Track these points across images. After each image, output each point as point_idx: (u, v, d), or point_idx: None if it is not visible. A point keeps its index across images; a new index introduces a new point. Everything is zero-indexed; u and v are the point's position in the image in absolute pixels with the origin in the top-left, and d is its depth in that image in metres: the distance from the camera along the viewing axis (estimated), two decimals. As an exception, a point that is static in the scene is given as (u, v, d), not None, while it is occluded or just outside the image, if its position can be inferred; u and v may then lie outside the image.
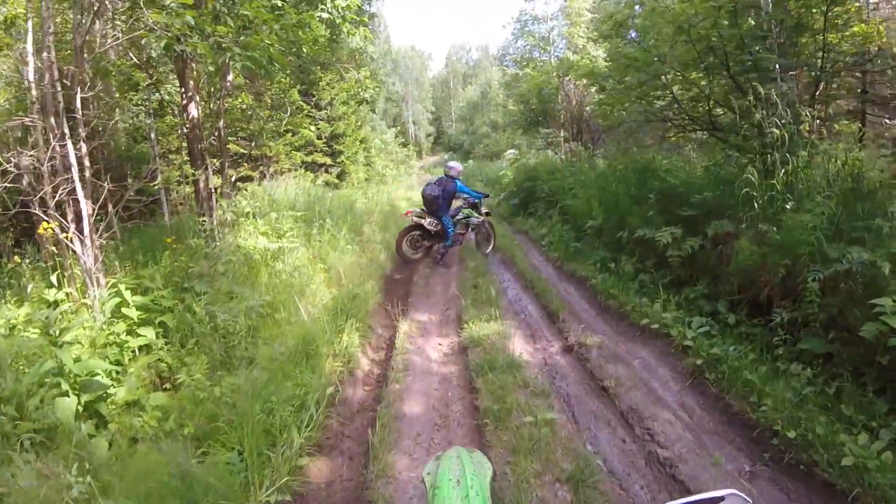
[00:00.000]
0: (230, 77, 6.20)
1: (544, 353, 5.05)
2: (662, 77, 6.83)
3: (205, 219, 5.57)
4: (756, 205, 4.99)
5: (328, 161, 13.21)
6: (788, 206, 4.86)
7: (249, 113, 8.14)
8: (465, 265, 8.41)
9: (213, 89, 6.63)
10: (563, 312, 5.84)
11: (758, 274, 4.89)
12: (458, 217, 8.70)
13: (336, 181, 13.08)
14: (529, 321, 5.92)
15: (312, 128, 12.33)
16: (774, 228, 4.75)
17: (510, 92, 22.14)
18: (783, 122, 5.09)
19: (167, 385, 3.75)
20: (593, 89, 13.03)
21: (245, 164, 10.59)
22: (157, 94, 7.50)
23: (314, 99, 12.86)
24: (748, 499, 0.80)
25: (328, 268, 6.93)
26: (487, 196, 9.77)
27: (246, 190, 7.97)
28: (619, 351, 4.95)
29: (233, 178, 8.93)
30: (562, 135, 12.56)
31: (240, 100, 8.28)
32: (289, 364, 4.06)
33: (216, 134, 6.28)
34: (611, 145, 11.33)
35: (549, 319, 5.91)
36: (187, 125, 5.70)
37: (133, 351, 3.75)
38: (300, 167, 11.49)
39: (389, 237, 9.67)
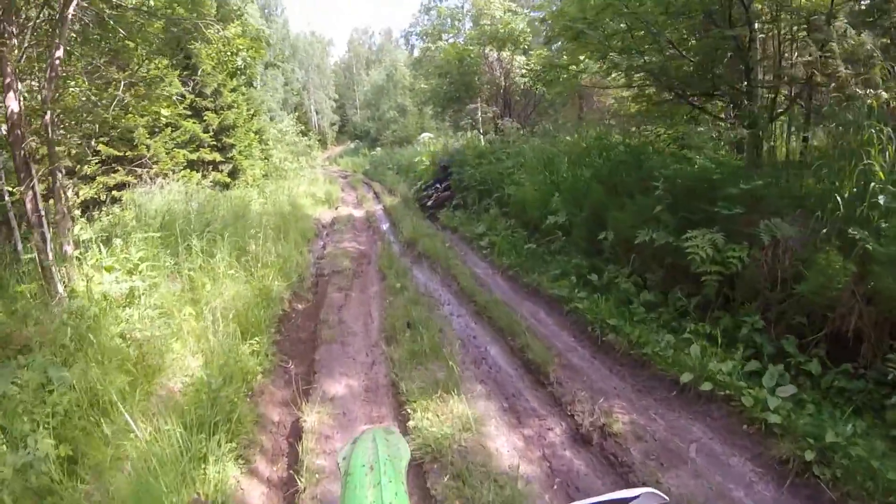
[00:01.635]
0: (59, 53, 4.42)
1: (544, 450, 3.01)
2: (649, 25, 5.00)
3: (32, 255, 4.25)
4: (839, 200, 3.30)
5: (217, 157, 11.41)
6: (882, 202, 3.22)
7: (97, 101, 5.15)
8: (387, 282, 6.17)
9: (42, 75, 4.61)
10: (551, 364, 3.83)
11: (845, 300, 3.24)
12: None
13: (227, 180, 11.43)
14: (500, 379, 3.87)
15: (196, 120, 10.72)
16: (873, 235, 3.10)
17: (419, 71, 20.02)
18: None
19: None
20: (519, 59, 11.26)
21: (121, 167, 8.97)
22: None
23: (197, 86, 11.04)
24: (664, 496, 0.74)
25: (200, 310, 4.51)
26: None
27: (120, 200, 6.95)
28: (657, 430, 3.06)
29: (74, 195, 7.31)
30: (490, 111, 10.62)
31: (80, 84, 5.36)
32: None
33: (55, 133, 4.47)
34: (548, 121, 9.61)
35: (531, 375, 3.90)
36: (6, 123, 4.19)
37: None
38: (184, 167, 10.05)
39: (291, 250, 7.16)
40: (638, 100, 6.51)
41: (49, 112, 4.51)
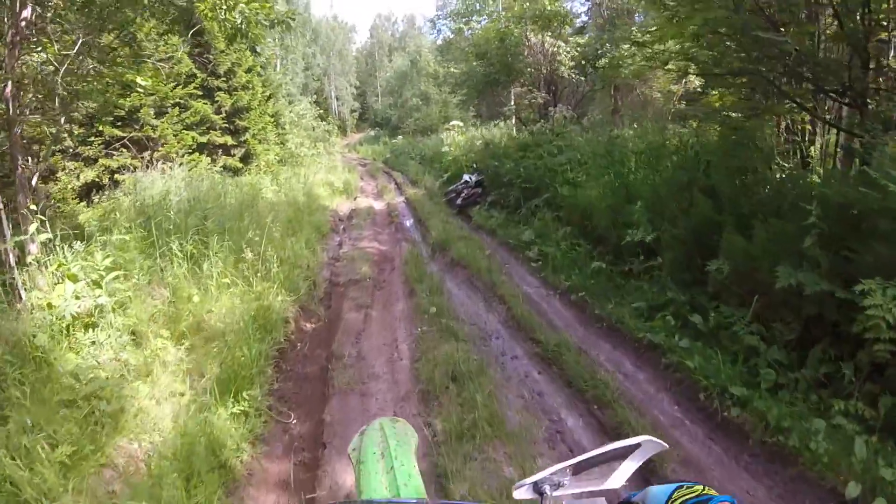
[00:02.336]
0: (27, 13, 3.68)
1: None
2: None
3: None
4: None
5: (229, 141, 10.59)
6: None
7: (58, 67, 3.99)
8: (416, 299, 4.95)
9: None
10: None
11: None
12: None
13: (239, 165, 10.65)
14: None
15: (207, 101, 9.97)
16: None
17: (447, 56, 18.67)
18: None
19: None
20: (563, 45, 9.89)
21: (124, 150, 8.33)
22: None
23: (210, 64, 10.31)
24: (663, 444, 0.76)
25: (184, 329, 3.39)
26: None
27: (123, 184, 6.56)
28: None
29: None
30: (540, 96, 9.24)
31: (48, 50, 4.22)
32: None
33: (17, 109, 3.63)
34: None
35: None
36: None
37: None
38: (193, 151, 9.33)
39: (300, 251, 6.00)
40: (723, 93, 5.16)
41: (9, 83, 3.49)
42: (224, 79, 10.79)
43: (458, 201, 9.81)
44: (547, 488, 0.77)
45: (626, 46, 9.47)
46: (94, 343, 3.22)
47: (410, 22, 54.60)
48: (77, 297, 3.42)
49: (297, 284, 4.98)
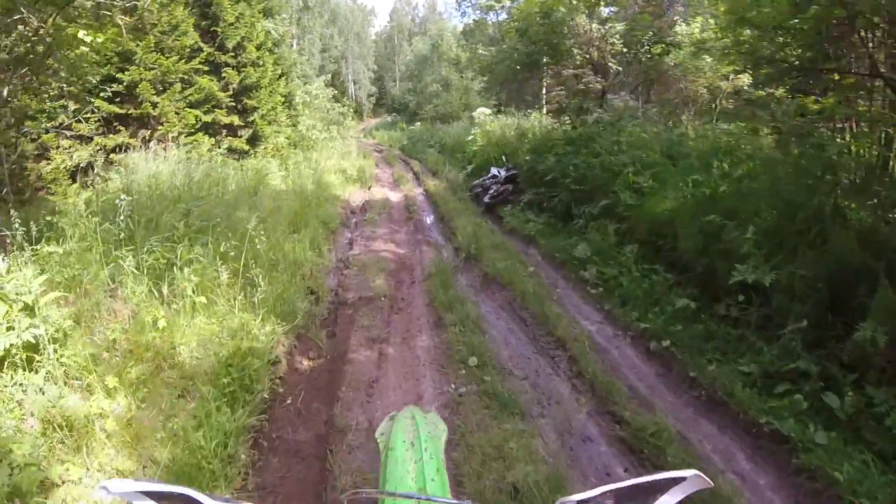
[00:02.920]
0: None
1: None
2: None
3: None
4: None
5: (235, 121, 9.84)
6: None
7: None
8: (445, 333, 3.84)
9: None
10: None
11: None
12: None
13: (246, 147, 9.91)
14: None
15: (213, 77, 9.33)
16: None
17: (472, 41, 17.36)
18: None
19: None
20: (618, 26, 8.57)
21: (123, 128, 7.98)
22: None
23: (218, 38, 9.63)
24: (710, 481, 0.72)
25: (142, 372, 2.47)
26: None
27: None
28: None
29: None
30: (595, 81, 7.88)
31: None
32: None
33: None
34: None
35: None
36: None
37: None
38: (196, 130, 8.76)
39: (303, 254, 4.97)
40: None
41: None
42: (232, 54, 9.88)
43: (486, 198, 8.66)
44: None
45: (682, 32, 8.25)
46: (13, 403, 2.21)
47: (432, 7, 53.62)
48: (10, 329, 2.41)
49: (293, 306, 3.89)
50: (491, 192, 8.72)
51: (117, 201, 3.41)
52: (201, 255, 3.68)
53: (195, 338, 3.10)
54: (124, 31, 4.38)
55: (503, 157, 9.37)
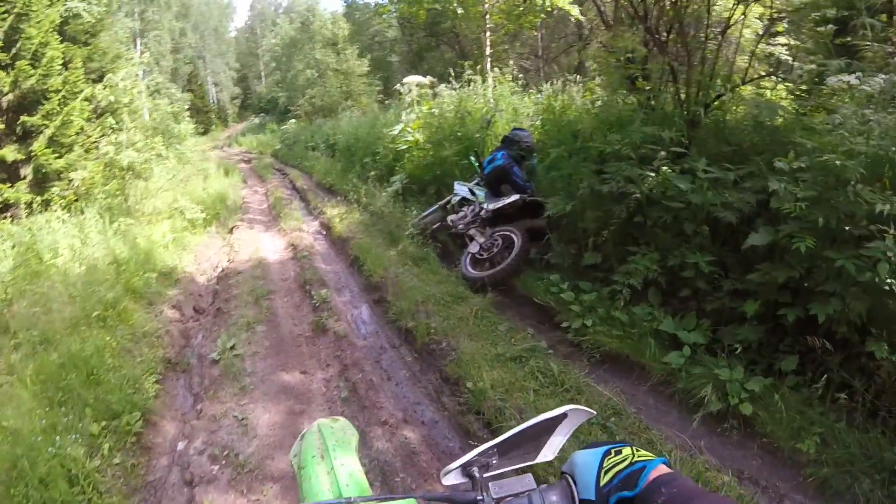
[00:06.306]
0: None
1: None
2: None
3: None
4: None
5: (10, 154, 6.31)
6: None
7: None
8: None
9: None
10: None
11: None
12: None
13: (27, 198, 6.27)
14: None
15: None
16: None
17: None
18: None
19: None
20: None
21: None
22: None
23: None
24: (590, 410, 0.74)
25: None
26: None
27: None
28: None
29: None
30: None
31: None
32: None
33: None
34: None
35: None
36: None
37: None
38: None
39: None
40: None
41: None
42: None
43: (466, 261, 4.44)
44: (476, 470, 0.70)
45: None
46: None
47: (293, -4, 50.45)
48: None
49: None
50: (480, 243, 4.45)
51: None
52: None
53: None
54: None
55: (475, 158, 5.19)
